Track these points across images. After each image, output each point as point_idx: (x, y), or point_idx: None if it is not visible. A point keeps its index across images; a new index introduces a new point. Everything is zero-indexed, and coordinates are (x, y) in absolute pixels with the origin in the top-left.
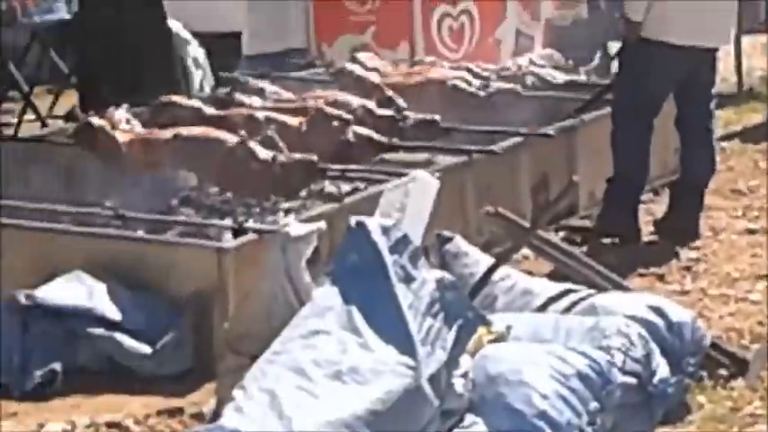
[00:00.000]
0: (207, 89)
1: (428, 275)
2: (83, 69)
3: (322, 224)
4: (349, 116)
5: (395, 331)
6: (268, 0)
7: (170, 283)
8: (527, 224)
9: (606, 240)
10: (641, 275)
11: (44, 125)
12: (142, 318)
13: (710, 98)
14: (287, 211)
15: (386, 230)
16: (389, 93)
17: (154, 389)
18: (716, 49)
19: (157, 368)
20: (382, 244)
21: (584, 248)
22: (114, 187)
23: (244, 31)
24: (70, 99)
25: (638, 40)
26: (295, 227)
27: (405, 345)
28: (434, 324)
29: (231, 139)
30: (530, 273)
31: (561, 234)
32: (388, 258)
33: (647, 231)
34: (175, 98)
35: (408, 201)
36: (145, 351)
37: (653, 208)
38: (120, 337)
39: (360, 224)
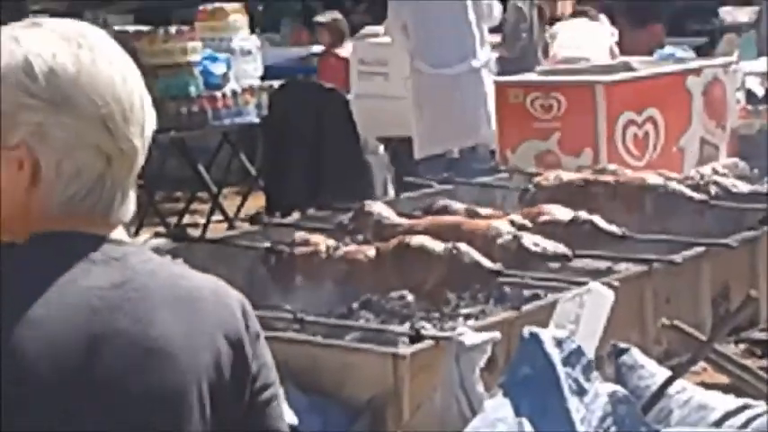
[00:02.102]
0: (391, 193)
1: (601, 389)
2: (270, 172)
3: (497, 334)
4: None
5: None
6: (438, 103)
7: (345, 388)
8: (704, 337)
9: None
10: None
11: (231, 227)
12: (318, 422)
13: None
14: (466, 317)
15: (559, 342)
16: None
17: None
18: None
19: None
20: (555, 356)
21: (765, 361)
22: (296, 290)
23: (414, 135)
24: (258, 201)
25: None
26: (469, 336)
27: None
28: None
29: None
30: (706, 386)
31: (741, 346)
32: (561, 371)
33: None
34: (372, 207)
35: (583, 312)
36: None
37: None
38: None
39: (533, 335)
